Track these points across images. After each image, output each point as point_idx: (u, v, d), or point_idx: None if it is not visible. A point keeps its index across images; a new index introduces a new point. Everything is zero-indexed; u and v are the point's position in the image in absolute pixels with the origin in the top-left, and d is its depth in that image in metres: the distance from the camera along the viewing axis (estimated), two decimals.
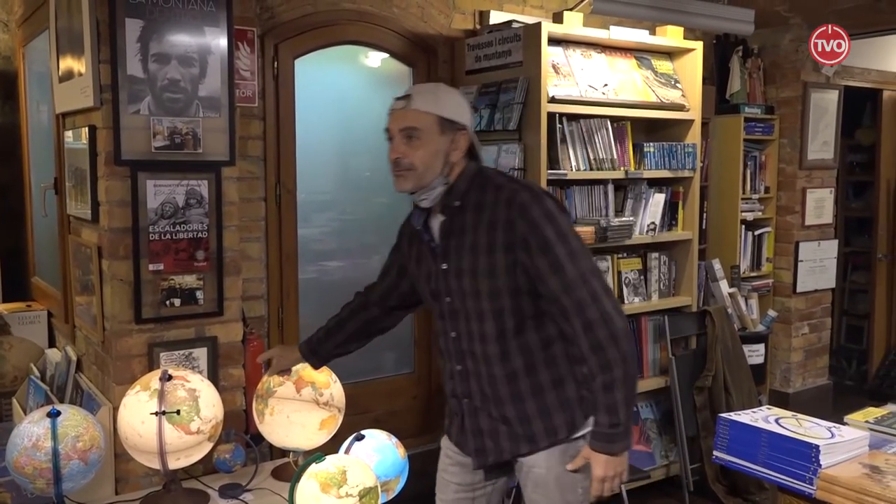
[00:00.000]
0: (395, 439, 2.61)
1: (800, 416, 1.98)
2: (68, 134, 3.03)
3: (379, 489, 2.33)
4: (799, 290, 5.03)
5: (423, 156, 1.95)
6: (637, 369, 1.92)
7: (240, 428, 2.92)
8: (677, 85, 4.07)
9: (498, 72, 3.66)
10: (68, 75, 2.90)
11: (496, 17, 3.95)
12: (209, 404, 2.57)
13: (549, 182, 3.54)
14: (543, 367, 1.97)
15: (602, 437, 1.88)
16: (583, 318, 1.85)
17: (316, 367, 2.52)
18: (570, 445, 2.00)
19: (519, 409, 2.00)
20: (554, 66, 3.62)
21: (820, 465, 1.77)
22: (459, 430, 2.15)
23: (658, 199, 4.00)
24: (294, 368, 2.70)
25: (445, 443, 2.26)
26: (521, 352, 1.97)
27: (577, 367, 1.97)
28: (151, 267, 2.68)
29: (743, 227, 4.80)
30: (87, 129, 2.73)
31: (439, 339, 2.16)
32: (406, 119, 1.96)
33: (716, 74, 4.93)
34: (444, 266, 2.03)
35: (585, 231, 3.60)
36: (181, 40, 2.66)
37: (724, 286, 4.48)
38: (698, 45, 4.08)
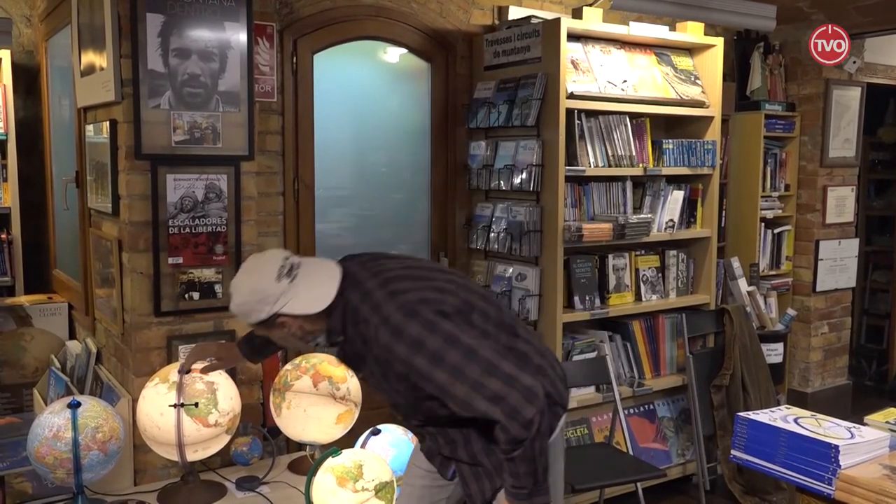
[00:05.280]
0: (410, 434, 2.62)
1: (819, 416, 1.97)
2: (89, 128, 3.06)
3: (395, 483, 2.34)
4: (819, 289, 4.98)
5: (278, 342, 2.04)
6: (543, 436, 1.81)
7: (257, 421, 2.94)
8: (697, 81, 4.04)
9: (516, 67, 3.65)
10: (90, 70, 2.92)
11: (515, 13, 3.94)
12: (227, 397, 2.59)
13: (568, 179, 3.53)
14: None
15: (509, 493, 1.86)
16: (474, 412, 1.79)
17: (256, 362, 2.62)
18: None
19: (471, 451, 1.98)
20: (573, 62, 3.60)
21: (839, 466, 1.76)
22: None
23: (677, 197, 3.98)
24: (312, 362, 2.71)
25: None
26: (456, 418, 1.90)
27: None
28: (171, 260, 2.71)
29: (762, 225, 4.77)
30: (108, 123, 2.75)
31: None
32: None
33: (736, 71, 4.89)
34: (354, 374, 2.11)
35: (603, 228, 3.58)
36: (201, 35, 2.68)
37: (743, 284, 4.45)
38: (719, 42, 4.05)
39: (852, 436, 1.83)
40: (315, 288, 1.89)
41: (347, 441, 2.72)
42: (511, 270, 3.67)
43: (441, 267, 2.12)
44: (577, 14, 3.67)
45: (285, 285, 1.87)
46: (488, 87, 3.77)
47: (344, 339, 1.92)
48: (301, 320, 1.90)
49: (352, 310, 1.87)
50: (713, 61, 4.05)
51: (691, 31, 4.00)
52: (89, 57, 2.91)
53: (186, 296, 2.74)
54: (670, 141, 3.92)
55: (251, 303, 1.88)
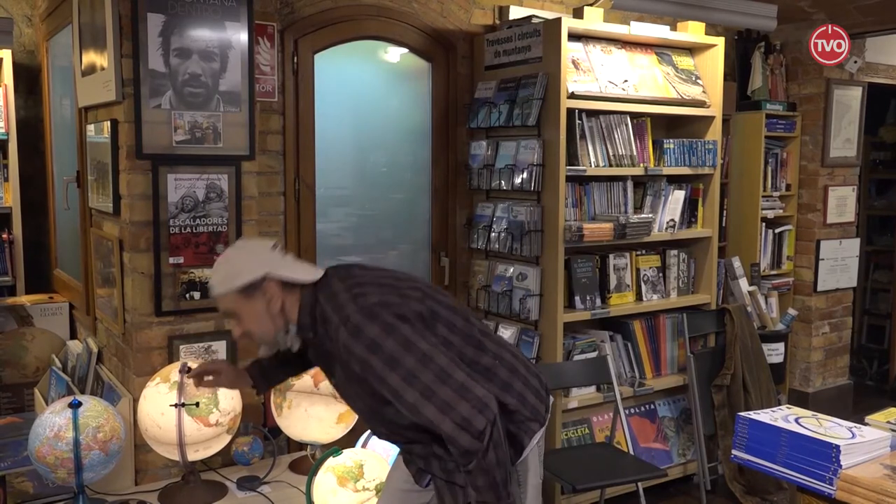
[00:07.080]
0: None
1: (820, 415, 1.97)
2: (90, 128, 3.06)
3: None
4: (819, 288, 4.98)
5: (250, 325, 1.99)
6: (498, 446, 1.80)
7: (258, 421, 2.94)
8: (698, 81, 4.04)
9: (517, 67, 3.65)
10: (91, 70, 2.93)
11: (516, 13, 3.94)
12: (228, 397, 2.60)
13: (568, 178, 3.53)
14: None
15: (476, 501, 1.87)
16: (422, 420, 1.80)
17: (261, 391, 2.37)
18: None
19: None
20: (574, 62, 3.60)
21: (840, 466, 1.76)
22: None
23: (677, 196, 3.98)
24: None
25: None
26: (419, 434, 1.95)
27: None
28: (172, 260, 2.71)
29: (763, 224, 4.76)
30: (108, 122, 2.76)
31: None
32: (220, 306, 2.03)
33: (737, 71, 4.89)
34: (326, 377, 2.09)
35: (603, 227, 3.58)
36: (202, 35, 2.68)
37: (744, 284, 4.45)
38: (720, 41, 4.05)
39: (853, 436, 1.83)
40: (303, 266, 2.01)
41: (348, 441, 2.72)
42: (512, 270, 3.67)
43: (412, 277, 2.07)
44: (577, 14, 3.67)
45: (279, 254, 1.99)
46: (489, 86, 3.77)
47: (314, 335, 1.97)
48: (284, 292, 1.95)
49: (320, 309, 1.94)
50: (714, 61, 4.05)
51: (692, 31, 4.00)
52: (90, 57, 2.92)
53: (187, 295, 2.75)
54: (671, 141, 3.92)
55: (243, 262, 1.95)
